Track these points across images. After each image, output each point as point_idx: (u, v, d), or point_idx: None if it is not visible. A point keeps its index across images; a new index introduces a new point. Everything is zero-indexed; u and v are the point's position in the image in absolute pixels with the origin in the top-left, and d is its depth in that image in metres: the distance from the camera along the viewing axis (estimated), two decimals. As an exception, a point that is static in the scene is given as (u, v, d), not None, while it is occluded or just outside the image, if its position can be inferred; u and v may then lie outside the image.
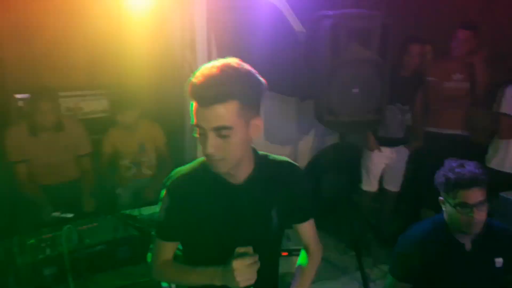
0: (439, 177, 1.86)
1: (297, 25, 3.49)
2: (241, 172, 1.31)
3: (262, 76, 1.22)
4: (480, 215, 1.77)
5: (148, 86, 3.69)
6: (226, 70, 1.14)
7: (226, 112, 1.14)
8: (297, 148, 3.86)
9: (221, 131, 1.16)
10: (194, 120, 1.18)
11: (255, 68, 1.22)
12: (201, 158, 1.35)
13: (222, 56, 1.21)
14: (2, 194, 2.96)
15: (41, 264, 1.99)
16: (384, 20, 2.93)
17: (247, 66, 1.20)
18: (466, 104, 3.40)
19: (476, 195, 1.76)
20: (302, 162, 3.94)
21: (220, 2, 3.31)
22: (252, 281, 1.24)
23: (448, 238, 1.90)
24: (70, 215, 2.52)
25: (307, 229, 1.53)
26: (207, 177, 1.31)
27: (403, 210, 3.91)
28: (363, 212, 3.69)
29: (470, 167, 1.79)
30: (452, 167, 1.82)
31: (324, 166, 3.85)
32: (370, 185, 3.58)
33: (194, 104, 1.17)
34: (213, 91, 1.12)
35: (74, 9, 3.55)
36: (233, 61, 1.18)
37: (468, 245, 1.90)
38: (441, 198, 1.90)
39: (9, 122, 3.30)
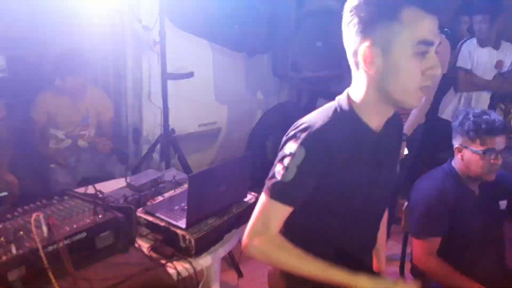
0: (463, 124, 1.84)
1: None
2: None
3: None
4: (500, 161, 1.81)
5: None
6: None
7: None
8: (246, 108, 3.63)
9: None
10: (418, 35, 1.06)
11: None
12: (329, 104, 1.19)
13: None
14: None
15: (4, 267, 1.51)
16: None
17: None
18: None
19: (502, 141, 1.80)
20: (251, 122, 3.74)
21: None
22: None
23: (460, 185, 1.93)
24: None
25: None
26: (350, 126, 1.13)
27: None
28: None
29: (495, 116, 1.80)
30: (478, 114, 1.81)
31: (271, 126, 3.70)
32: None
33: (414, 15, 1.06)
34: None
35: None
36: None
37: (476, 191, 1.96)
38: (457, 146, 1.90)
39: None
